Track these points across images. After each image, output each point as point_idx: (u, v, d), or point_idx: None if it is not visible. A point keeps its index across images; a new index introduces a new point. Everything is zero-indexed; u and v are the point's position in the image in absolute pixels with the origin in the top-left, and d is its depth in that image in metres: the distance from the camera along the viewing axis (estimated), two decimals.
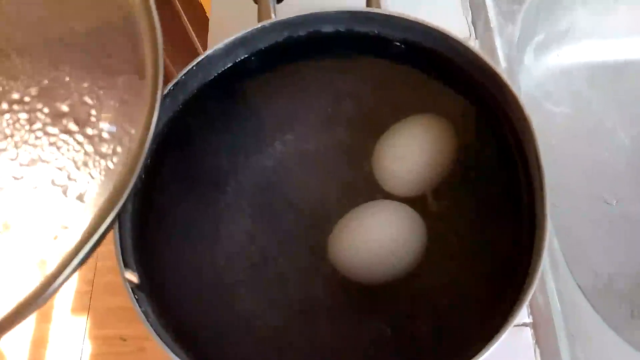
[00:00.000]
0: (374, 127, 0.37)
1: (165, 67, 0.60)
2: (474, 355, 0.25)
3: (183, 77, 0.34)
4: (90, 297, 1.11)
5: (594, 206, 0.54)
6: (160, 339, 0.26)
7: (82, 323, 1.09)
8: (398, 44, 0.36)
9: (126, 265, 0.29)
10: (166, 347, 0.26)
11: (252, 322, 0.34)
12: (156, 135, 0.33)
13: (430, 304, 0.33)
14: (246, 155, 0.38)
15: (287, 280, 0.35)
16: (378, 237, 0.33)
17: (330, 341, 0.33)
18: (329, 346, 0.33)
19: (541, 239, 0.27)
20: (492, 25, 0.45)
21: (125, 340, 1.07)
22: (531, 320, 0.35)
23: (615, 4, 0.56)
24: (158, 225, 0.34)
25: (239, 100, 0.38)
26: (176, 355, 0.26)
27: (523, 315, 0.36)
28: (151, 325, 0.27)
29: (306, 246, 0.36)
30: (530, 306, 0.36)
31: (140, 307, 0.27)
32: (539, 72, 0.59)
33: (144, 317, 0.27)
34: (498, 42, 0.45)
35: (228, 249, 0.35)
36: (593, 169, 0.56)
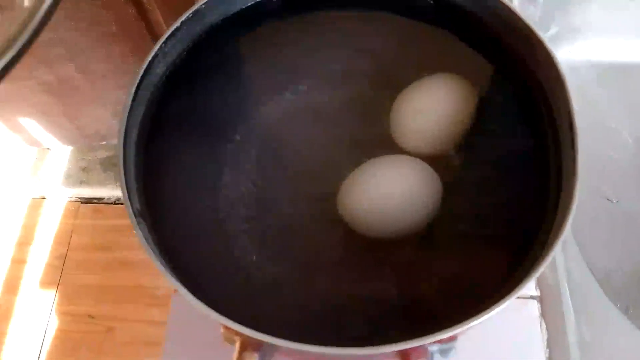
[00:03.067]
0: (393, 83, 0.36)
1: (151, 12, 0.57)
2: (475, 315, 0.24)
3: (203, 5, 0.32)
4: (61, 272, 1.08)
5: (595, 203, 0.54)
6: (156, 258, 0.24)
7: (50, 297, 1.06)
8: None
9: (129, 192, 0.27)
10: (161, 267, 0.24)
11: (251, 271, 0.32)
12: (168, 64, 0.32)
13: (440, 265, 0.32)
14: (257, 103, 0.36)
15: (291, 232, 0.34)
16: (390, 191, 0.32)
17: (332, 297, 0.32)
18: (330, 302, 0.32)
19: (569, 201, 0.26)
20: (514, 4, 0.44)
21: (93, 318, 1.04)
22: (538, 294, 0.34)
23: (628, 2, 0.56)
24: (163, 164, 0.32)
25: (255, 43, 0.36)
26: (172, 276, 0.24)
27: (530, 288, 0.35)
28: (149, 248, 0.25)
29: (314, 199, 0.34)
30: (538, 280, 0.35)
31: (140, 229, 0.25)
32: None
33: (142, 236, 0.25)
34: None
35: (232, 196, 0.34)
36: (596, 166, 0.56)
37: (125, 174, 0.27)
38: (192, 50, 0.34)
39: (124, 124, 0.28)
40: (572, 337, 0.32)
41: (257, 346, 0.24)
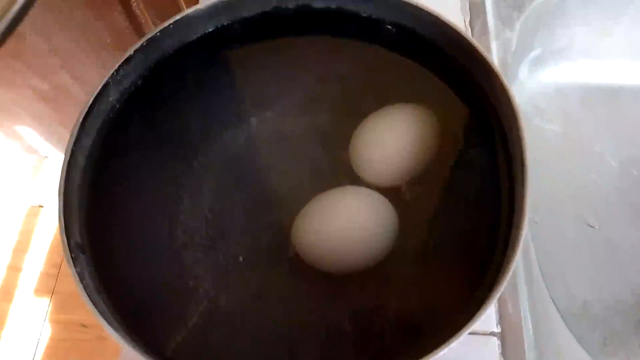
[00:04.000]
0: (356, 112, 0.35)
1: (144, 24, 0.57)
2: (430, 352, 0.23)
3: (158, 34, 0.32)
4: (56, 280, 1.08)
5: (577, 228, 0.52)
6: (89, 298, 0.24)
7: (44, 306, 1.06)
8: (389, 27, 0.34)
9: (68, 222, 0.27)
10: (92, 306, 0.24)
11: (202, 303, 0.31)
12: (122, 92, 0.32)
13: (395, 299, 0.31)
14: (219, 128, 0.36)
15: (245, 263, 0.33)
16: (344, 224, 0.31)
17: (285, 330, 0.31)
18: (283, 336, 0.31)
19: (517, 237, 0.25)
20: (489, 28, 0.44)
21: (86, 327, 1.04)
22: (499, 330, 0.33)
23: (614, 25, 0.55)
24: (113, 188, 0.32)
25: (216, 70, 0.36)
26: (106, 320, 0.24)
27: (492, 324, 0.34)
28: (82, 284, 0.24)
29: (270, 229, 0.34)
30: (500, 316, 0.34)
31: (75, 267, 0.25)
32: (532, 88, 0.57)
33: (77, 277, 0.24)
34: (494, 45, 0.44)
35: (186, 224, 0.33)
36: (579, 190, 0.54)
37: (64, 203, 0.26)
38: (149, 78, 0.33)
39: (69, 151, 0.28)
40: None
41: None
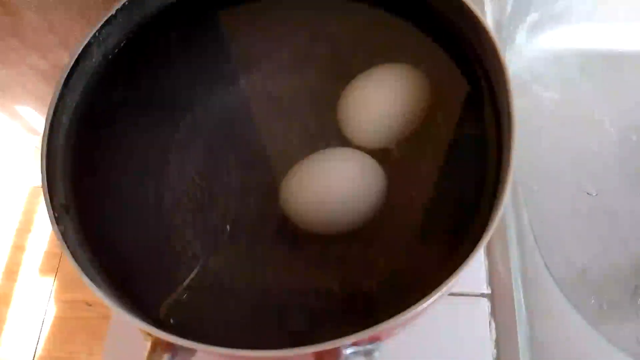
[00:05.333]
0: (345, 73, 0.34)
1: None
2: (412, 304, 0.23)
3: None
4: (60, 260, 1.09)
5: (575, 195, 0.52)
6: (72, 256, 0.24)
7: (49, 285, 1.07)
8: None
9: (51, 181, 0.26)
10: (77, 266, 0.23)
11: (190, 266, 0.31)
12: (106, 52, 0.31)
13: (383, 259, 0.31)
14: (206, 90, 0.35)
15: (234, 224, 0.33)
16: (332, 184, 0.31)
17: (274, 292, 0.31)
18: (272, 297, 0.31)
19: (502, 191, 0.25)
20: None
21: (90, 305, 1.05)
22: (489, 292, 0.33)
23: None
24: (98, 149, 0.31)
25: (202, 30, 0.35)
26: (89, 279, 0.24)
27: (482, 285, 0.33)
28: (65, 243, 0.24)
29: (259, 191, 0.34)
30: (490, 277, 0.33)
31: (58, 225, 0.25)
32: (530, 54, 0.56)
33: (60, 235, 0.24)
34: (488, 7, 0.43)
35: (174, 185, 0.33)
36: (577, 157, 0.54)
37: (47, 163, 0.26)
38: (133, 38, 0.33)
39: (52, 109, 0.27)
40: (522, 336, 0.31)
41: (168, 347, 0.23)
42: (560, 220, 0.51)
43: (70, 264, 0.24)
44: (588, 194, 0.52)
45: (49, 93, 0.80)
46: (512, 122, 0.25)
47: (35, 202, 1.14)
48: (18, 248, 1.11)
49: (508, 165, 0.25)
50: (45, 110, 0.83)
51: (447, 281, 0.24)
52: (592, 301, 0.47)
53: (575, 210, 0.52)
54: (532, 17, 0.53)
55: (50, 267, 1.09)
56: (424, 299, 0.23)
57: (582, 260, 0.49)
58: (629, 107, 0.56)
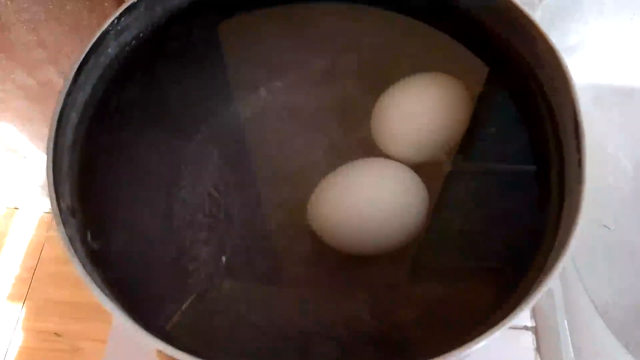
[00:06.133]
0: (377, 83, 0.32)
1: None
2: (455, 347, 0.19)
3: None
4: (29, 286, 1.04)
5: (593, 230, 0.50)
6: (81, 264, 0.20)
7: (16, 312, 1.01)
8: None
9: (57, 182, 0.23)
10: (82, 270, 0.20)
11: (203, 287, 0.28)
12: (122, 45, 0.28)
13: (422, 288, 0.28)
14: (225, 98, 0.33)
15: (253, 244, 0.29)
16: (367, 200, 0.28)
17: (297, 320, 0.28)
18: (295, 325, 0.27)
19: (574, 214, 0.22)
20: None
21: (59, 336, 1.00)
22: (534, 325, 0.30)
23: (630, 23, 0.53)
24: (107, 153, 0.28)
25: (226, 31, 0.33)
26: (97, 287, 0.20)
27: (525, 318, 0.30)
28: (72, 249, 0.21)
29: (282, 207, 0.31)
30: (534, 310, 0.31)
31: (65, 229, 0.21)
32: None
33: (67, 241, 0.20)
34: None
35: (187, 200, 0.30)
36: (593, 191, 0.52)
37: (54, 162, 0.23)
38: (153, 33, 0.30)
39: (60, 104, 0.24)
40: None
41: None
42: (577, 255, 0.48)
43: (77, 272, 0.20)
44: (606, 227, 0.50)
45: (32, 111, 0.77)
46: (580, 129, 0.23)
47: (7, 223, 1.09)
48: None
49: (579, 181, 0.22)
50: (25, 128, 0.79)
51: (511, 315, 0.20)
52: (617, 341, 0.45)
53: (593, 245, 0.50)
54: None
55: (19, 293, 1.03)
56: (466, 345, 0.20)
57: (603, 297, 0.46)
58: None
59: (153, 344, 0.21)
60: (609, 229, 0.50)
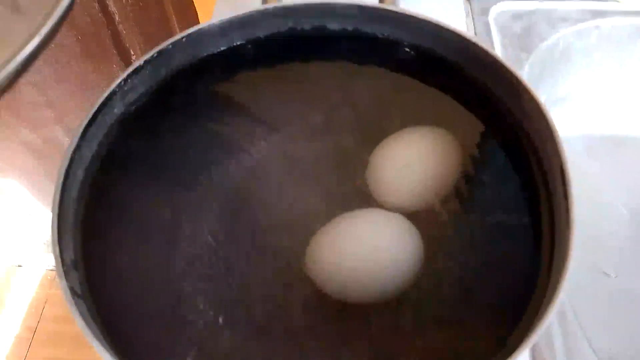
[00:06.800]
0: (371, 137, 0.33)
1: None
2: None
3: (170, 46, 0.30)
4: (29, 346, 1.02)
5: (593, 278, 0.50)
6: (82, 318, 0.21)
7: None
8: (407, 49, 0.33)
9: (62, 233, 0.24)
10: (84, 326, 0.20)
11: (201, 338, 0.28)
12: (128, 105, 0.30)
13: (420, 335, 0.28)
14: (225, 151, 0.34)
15: (252, 295, 0.30)
16: (363, 248, 0.28)
17: None
18: None
19: (564, 257, 0.23)
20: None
21: None
22: None
23: (619, 73, 0.55)
24: (110, 206, 0.29)
25: (227, 89, 0.34)
26: (97, 341, 0.20)
27: None
28: (74, 301, 0.21)
29: (280, 257, 0.31)
30: (534, 355, 0.31)
31: (67, 281, 0.22)
32: None
33: (68, 292, 0.21)
34: None
35: (188, 254, 0.30)
36: (591, 239, 0.52)
37: (59, 215, 0.24)
38: (156, 92, 0.31)
39: (68, 159, 0.25)
40: None
41: None
42: (579, 304, 0.48)
43: (78, 326, 0.21)
44: (606, 274, 0.50)
45: (36, 168, 0.78)
46: (566, 178, 0.24)
47: (9, 281, 1.08)
48: None
49: (568, 226, 0.23)
50: (30, 185, 0.80)
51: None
52: None
53: (594, 293, 0.49)
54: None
55: (19, 353, 1.02)
56: None
57: (607, 347, 0.46)
58: (638, 188, 0.55)
59: None
60: (609, 276, 0.50)
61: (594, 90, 0.56)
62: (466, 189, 0.30)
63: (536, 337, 0.21)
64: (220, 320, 0.29)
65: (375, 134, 0.33)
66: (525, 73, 0.47)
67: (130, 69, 0.29)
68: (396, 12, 0.31)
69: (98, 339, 0.21)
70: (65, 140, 0.69)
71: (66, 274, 0.22)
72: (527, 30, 0.49)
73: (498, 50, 0.47)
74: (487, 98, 0.31)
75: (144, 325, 0.28)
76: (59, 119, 0.67)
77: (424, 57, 0.33)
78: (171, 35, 0.30)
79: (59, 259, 0.22)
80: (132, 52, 0.59)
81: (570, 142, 0.58)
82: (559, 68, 0.54)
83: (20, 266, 1.09)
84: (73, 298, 0.22)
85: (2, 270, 1.08)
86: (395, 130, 0.33)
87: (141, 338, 0.27)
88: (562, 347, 0.30)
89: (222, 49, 0.33)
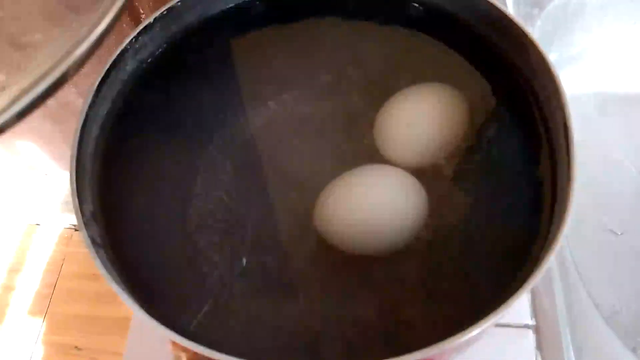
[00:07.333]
0: (379, 95, 0.34)
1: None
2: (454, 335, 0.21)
3: (178, 3, 0.30)
4: (50, 301, 1.05)
5: (600, 235, 0.51)
6: (103, 265, 0.22)
7: (37, 326, 1.03)
8: (416, 4, 0.33)
9: (81, 188, 0.25)
10: (103, 269, 0.21)
11: (216, 289, 0.29)
12: (139, 62, 0.30)
13: (425, 285, 0.29)
14: (236, 110, 0.34)
15: (263, 248, 0.31)
16: (369, 202, 0.29)
17: (307, 319, 0.29)
18: (304, 324, 0.29)
19: (564, 210, 0.24)
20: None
21: (80, 349, 1.01)
22: (534, 323, 0.31)
23: (633, 31, 0.54)
24: (125, 162, 0.30)
25: (236, 47, 0.35)
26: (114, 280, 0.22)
27: (526, 316, 0.31)
28: (94, 250, 0.22)
29: (291, 212, 0.32)
30: (536, 308, 0.32)
31: (87, 231, 0.23)
32: None
33: (89, 242, 0.22)
34: None
35: (202, 208, 0.31)
36: (599, 197, 0.53)
37: (77, 169, 0.25)
38: (167, 50, 0.32)
39: (83, 116, 0.26)
40: None
41: None
42: (585, 261, 0.49)
43: (102, 276, 0.22)
44: (613, 232, 0.51)
45: (52, 130, 0.79)
46: (569, 133, 0.24)
47: (28, 240, 1.11)
48: (8, 287, 1.07)
49: (569, 179, 0.23)
50: (46, 147, 0.81)
51: (491, 316, 0.22)
52: (624, 344, 0.45)
53: (600, 251, 0.50)
54: (552, 57, 0.54)
55: (40, 308, 1.05)
56: (464, 332, 0.21)
57: (611, 302, 0.47)
58: None
59: (169, 337, 0.22)
60: (615, 234, 0.51)
61: (607, 47, 0.56)
62: (472, 145, 0.31)
63: (535, 280, 0.22)
64: (234, 271, 0.30)
65: (383, 91, 0.34)
66: (537, 29, 0.47)
67: (140, 26, 0.29)
68: None
69: (119, 285, 0.23)
70: (79, 104, 0.70)
71: (86, 225, 0.23)
72: None
73: (510, 5, 0.47)
74: (494, 54, 0.31)
75: (162, 275, 0.29)
76: (73, 83, 0.67)
77: (433, 12, 0.33)
78: None
79: (79, 211, 0.23)
80: (142, 11, 0.59)
81: (582, 101, 0.58)
82: (572, 25, 0.53)
83: (39, 225, 1.11)
84: (94, 247, 0.23)
85: (22, 229, 1.11)
86: (402, 87, 0.33)
87: (159, 288, 0.28)
88: (563, 302, 0.31)
89: (230, 5, 0.33)
